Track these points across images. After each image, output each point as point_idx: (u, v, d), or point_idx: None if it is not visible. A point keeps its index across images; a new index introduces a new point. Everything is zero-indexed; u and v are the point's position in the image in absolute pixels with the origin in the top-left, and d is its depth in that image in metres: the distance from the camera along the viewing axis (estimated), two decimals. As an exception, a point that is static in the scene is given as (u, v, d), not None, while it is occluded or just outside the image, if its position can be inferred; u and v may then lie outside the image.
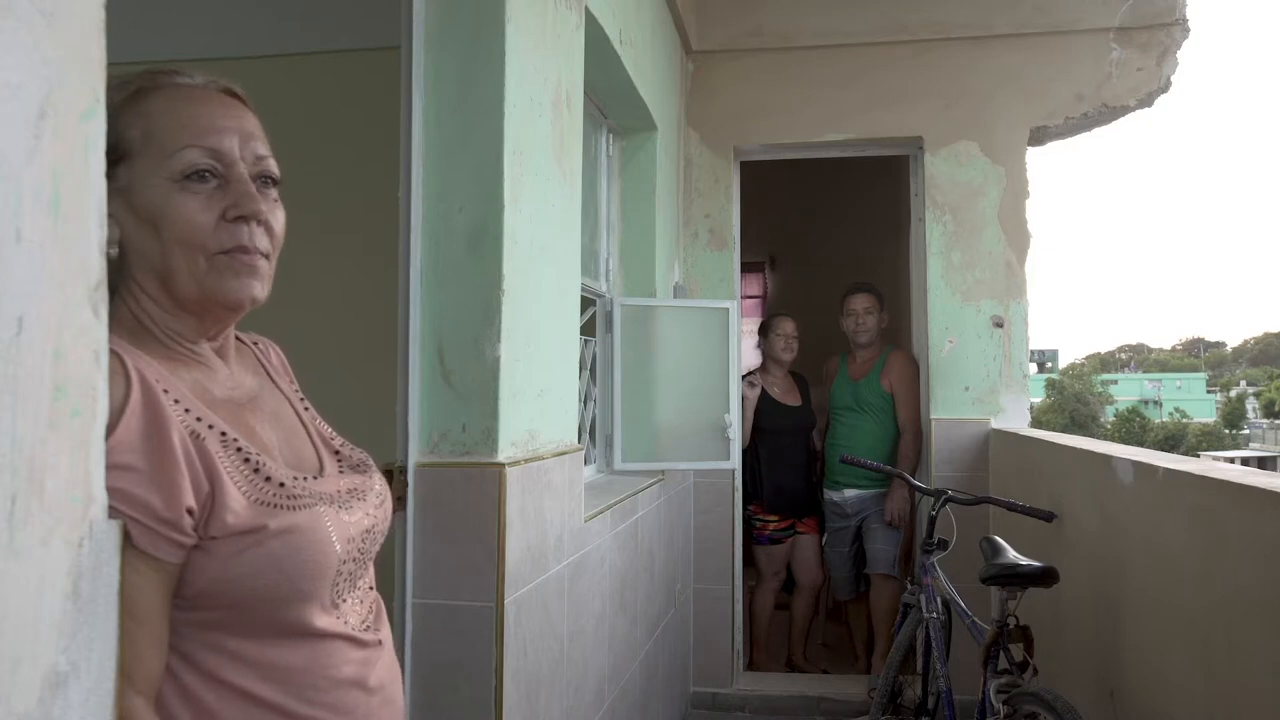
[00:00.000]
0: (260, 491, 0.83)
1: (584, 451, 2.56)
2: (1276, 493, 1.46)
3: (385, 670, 0.96)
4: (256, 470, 0.84)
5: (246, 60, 3.69)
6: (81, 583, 0.51)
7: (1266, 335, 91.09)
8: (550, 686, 2.00)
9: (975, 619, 2.66)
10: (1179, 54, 3.84)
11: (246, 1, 3.45)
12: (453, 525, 1.75)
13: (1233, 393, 63.23)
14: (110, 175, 0.76)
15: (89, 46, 0.52)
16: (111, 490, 0.71)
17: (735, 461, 3.46)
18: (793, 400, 4.26)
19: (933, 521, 2.98)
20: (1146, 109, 3.88)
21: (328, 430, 1.03)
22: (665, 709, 3.36)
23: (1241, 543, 1.59)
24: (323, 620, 0.88)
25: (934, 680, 2.85)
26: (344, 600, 0.91)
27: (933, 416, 3.86)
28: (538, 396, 2.00)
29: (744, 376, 3.98)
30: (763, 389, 4.18)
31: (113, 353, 0.74)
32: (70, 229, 0.50)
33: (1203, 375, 70.22)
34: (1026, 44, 3.90)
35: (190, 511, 0.78)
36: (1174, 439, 40.24)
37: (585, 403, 3.07)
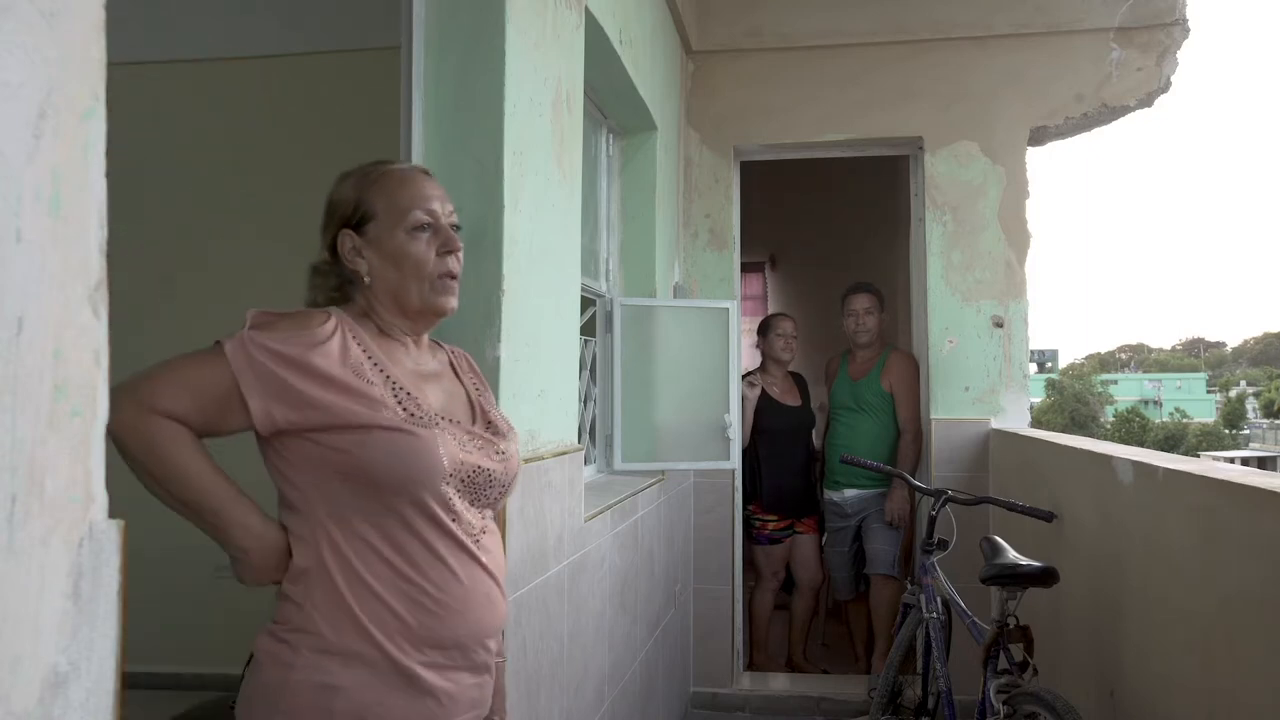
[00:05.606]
0: (403, 410, 1.18)
1: (584, 451, 2.55)
2: (1276, 493, 1.46)
3: (482, 574, 1.24)
4: (399, 401, 1.19)
5: (247, 60, 3.68)
6: (81, 583, 0.51)
7: (1266, 335, 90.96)
8: (550, 686, 2.00)
9: (975, 619, 2.65)
10: (1179, 54, 3.84)
11: (248, 1, 3.45)
12: (453, 525, 1.75)
13: (1233, 393, 63.13)
14: (362, 231, 1.25)
15: (89, 46, 0.52)
16: (298, 344, 1.13)
17: (735, 461, 3.46)
18: (792, 400, 4.26)
19: (933, 521, 2.98)
20: (1146, 109, 3.89)
21: (494, 410, 1.37)
22: (665, 709, 3.36)
23: (1241, 543, 1.59)
24: (436, 509, 1.18)
25: (934, 680, 2.85)
26: (457, 512, 1.21)
27: (933, 416, 3.86)
28: (538, 397, 2.00)
29: (744, 376, 3.98)
30: (762, 389, 4.18)
31: (328, 311, 1.21)
32: (70, 229, 0.50)
33: (1203, 375, 70.12)
34: (1026, 44, 3.90)
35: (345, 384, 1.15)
36: (1174, 439, 40.18)
37: (585, 403, 3.07)
